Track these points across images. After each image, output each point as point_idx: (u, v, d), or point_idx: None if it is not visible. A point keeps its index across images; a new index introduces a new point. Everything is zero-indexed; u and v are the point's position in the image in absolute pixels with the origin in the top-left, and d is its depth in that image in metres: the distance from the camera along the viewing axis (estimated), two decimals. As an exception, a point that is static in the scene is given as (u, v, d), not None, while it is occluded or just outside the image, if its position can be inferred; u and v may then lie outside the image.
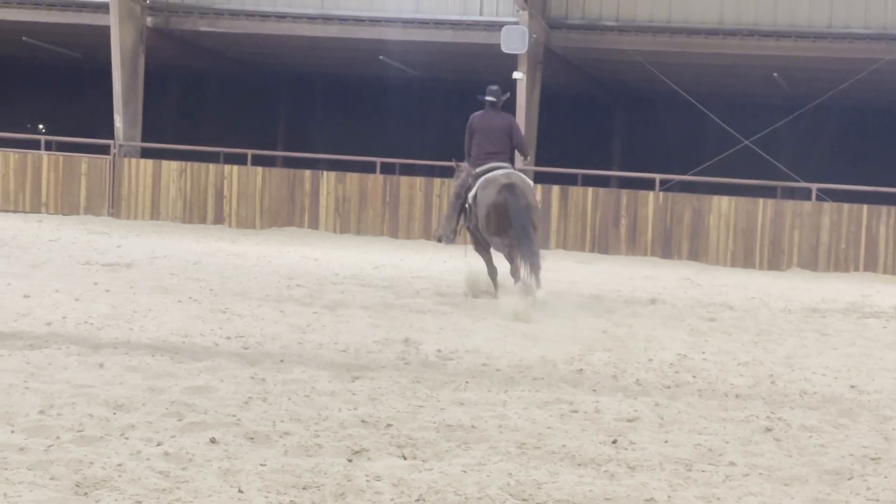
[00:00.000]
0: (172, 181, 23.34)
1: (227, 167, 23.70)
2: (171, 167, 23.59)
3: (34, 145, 25.07)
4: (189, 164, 23.81)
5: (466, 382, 8.59)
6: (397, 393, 8.12)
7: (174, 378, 8.31)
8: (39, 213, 22.74)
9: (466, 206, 13.99)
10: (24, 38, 27.71)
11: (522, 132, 15.24)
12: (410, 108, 33.73)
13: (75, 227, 19.90)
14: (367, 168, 24.30)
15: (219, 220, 23.11)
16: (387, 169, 24.50)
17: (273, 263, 16.47)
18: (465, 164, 14.29)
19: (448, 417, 7.41)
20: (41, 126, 37.79)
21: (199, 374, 8.47)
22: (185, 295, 12.57)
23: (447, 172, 24.45)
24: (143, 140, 25.09)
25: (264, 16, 24.77)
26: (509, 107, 15.83)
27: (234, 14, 24.77)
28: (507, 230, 13.39)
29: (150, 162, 23.79)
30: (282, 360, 9.11)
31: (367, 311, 12.09)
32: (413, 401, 7.89)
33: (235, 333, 10.32)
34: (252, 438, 6.70)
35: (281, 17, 24.77)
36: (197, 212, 23.30)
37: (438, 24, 24.52)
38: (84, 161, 23.51)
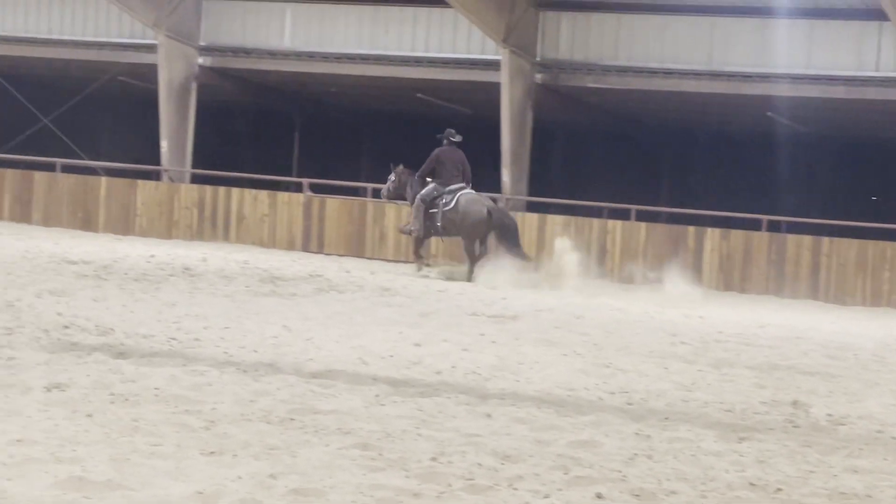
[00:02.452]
0: (556, 235, 23.64)
1: (610, 222, 23.82)
2: (555, 221, 23.90)
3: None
4: (573, 218, 24.07)
5: (860, 449, 8.27)
6: (786, 456, 7.90)
7: (559, 431, 8.36)
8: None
9: (432, 211, 19.84)
10: (418, 95, 28.80)
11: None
12: (797, 165, 33.01)
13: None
14: (752, 225, 23.89)
15: (601, 274, 23.23)
16: (773, 227, 24.02)
17: (656, 319, 16.39)
18: (405, 169, 20.92)
19: (841, 485, 7.14)
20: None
21: (584, 428, 8.50)
22: (570, 348, 12.67)
23: (835, 231, 23.77)
24: (529, 194, 25.56)
25: (651, 72, 24.82)
26: None
27: (622, 71, 24.95)
28: (486, 236, 19.78)
29: (535, 215, 24.19)
30: (667, 418, 9.03)
31: (753, 371, 11.84)
32: (803, 465, 7.65)
33: (619, 388, 10.30)
34: (638, 496, 6.65)
35: (668, 73, 24.76)
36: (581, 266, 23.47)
37: (831, 80, 23.92)
38: (472, 214, 24.12)
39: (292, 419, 8.40)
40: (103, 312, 13.14)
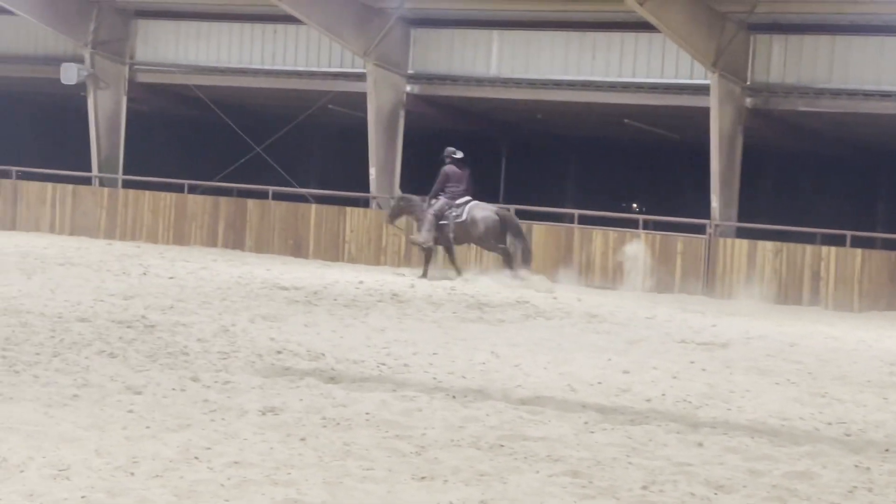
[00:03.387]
0: (767, 261, 23.18)
1: (824, 248, 23.23)
2: (766, 247, 23.44)
3: (629, 224, 25.77)
4: (785, 244, 23.56)
5: None
6: None
7: (774, 461, 8.17)
8: (636, 290, 23.24)
9: (442, 223, 21.94)
10: (625, 121, 28.63)
11: None
12: None
13: (670, 306, 20.18)
14: (974, 251, 23.02)
15: (814, 301, 22.66)
16: None
17: (873, 348, 15.90)
18: (411, 196, 22.86)
19: None
20: (635, 205, 38.80)
21: (800, 459, 8.28)
22: (782, 377, 12.38)
23: None
24: (739, 220, 25.12)
25: (867, 95, 24.15)
26: None
27: (835, 94, 24.32)
28: (503, 238, 21.89)
29: (745, 242, 23.76)
30: (887, 450, 8.74)
31: (978, 403, 11.37)
32: None
33: (836, 419, 10.02)
34: (859, 530, 6.44)
35: (885, 95, 24.08)
36: (791, 293, 22.97)
37: None
38: (680, 240, 23.85)
39: (502, 445, 8.39)
40: (314, 338, 13.36)
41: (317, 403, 9.61)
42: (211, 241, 26.28)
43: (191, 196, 27.22)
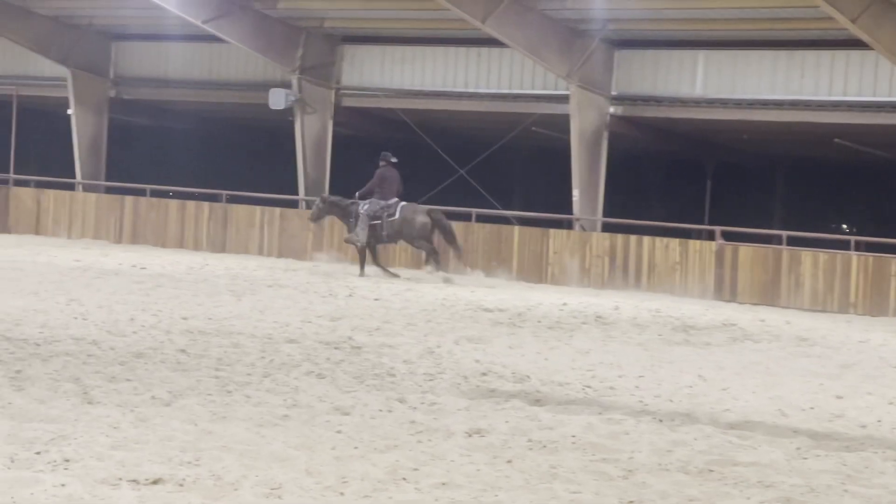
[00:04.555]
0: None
1: None
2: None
3: (840, 245, 25.10)
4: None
5: None
6: None
7: None
8: (847, 313, 22.65)
9: (374, 222, 23.48)
10: (835, 140, 27.99)
11: None
12: None
13: (884, 329, 19.58)
14: None
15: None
16: None
17: None
18: (332, 196, 24.78)
19: None
20: (845, 226, 37.90)
21: None
22: None
23: None
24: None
25: None
26: None
27: None
28: (432, 237, 23.70)
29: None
30: None
31: None
32: None
33: None
34: None
35: None
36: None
37: None
38: (894, 262, 23.13)
39: (711, 470, 8.23)
40: (519, 359, 13.35)
41: (523, 426, 9.58)
42: (414, 264, 26.53)
43: (391, 218, 27.50)
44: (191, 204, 29.47)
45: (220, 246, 28.69)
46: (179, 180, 31.56)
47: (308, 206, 28.81)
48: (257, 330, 14.58)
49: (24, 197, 31.49)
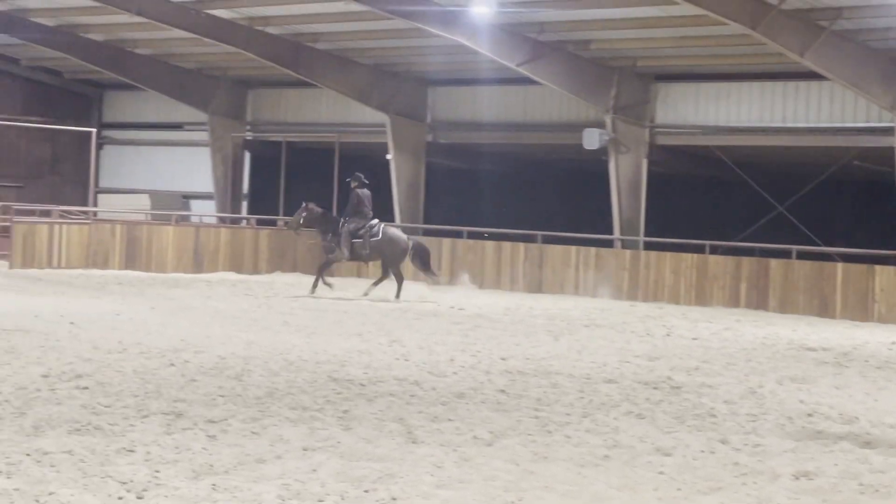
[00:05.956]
0: None
1: None
2: None
3: None
4: None
5: None
6: None
7: None
8: None
9: (355, 240, 24.62)
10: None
11: None
12: None
13: None
14: None
15: None
16: None
17: None
18: (314, 206, 25.47)
19: None
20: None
21: None
22: None
23: None
24: None
25: None
26: None
27: None
28: (404, 259, 25.03)
29: None
30: None
31: None
32: None
33: None
34: None
35: None
36: None
37: None
38: None
39: None
40: (846, 400, 12.91)
41: (853, 469, 9.24)
42: (733, 302, 26.02)
43: (712, 256, 27.08)
44: (507, 245, 29.80)
45: (535, 286, 28.87)
46: (494, 221, 31.97)
47: (624, 246, 28.73)
48: (575, 370, 14.58)
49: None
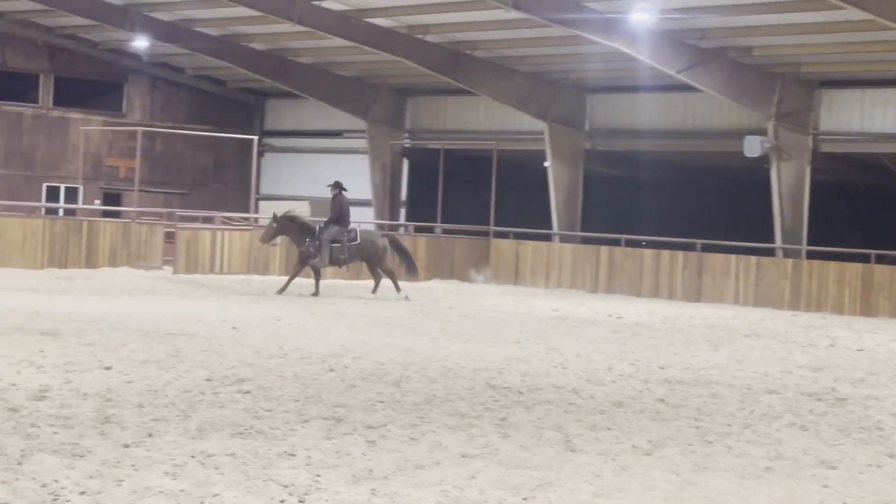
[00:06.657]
0: None
1: None
2: None
3: None
4: None
5: None
6: None
7: None
8: None
9: (335, 245, 25.08)
10: None
11: None
12: None
13: None
14: None
15: None
16: None
17: None
18: (283, 218, 25.49)
19: None
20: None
21: None
22: None
23: None
24: None
25: None
26: None
27: None
28: (386, 258, 25.71)
29: None
30: None
31: None
32: None
33: None
34: None
35: None
36: None
37: None
38: None
39: None
40: None
41: None
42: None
43: (877, 266, 26.48)
44: (665, 253, 29.54)
45: (694, 295, 28.56)
46: (653, 229, 31.71)
47: (786, 255, 28.23)
48: (736, 380, 14.35)
49: (503, 248, 32.56)
